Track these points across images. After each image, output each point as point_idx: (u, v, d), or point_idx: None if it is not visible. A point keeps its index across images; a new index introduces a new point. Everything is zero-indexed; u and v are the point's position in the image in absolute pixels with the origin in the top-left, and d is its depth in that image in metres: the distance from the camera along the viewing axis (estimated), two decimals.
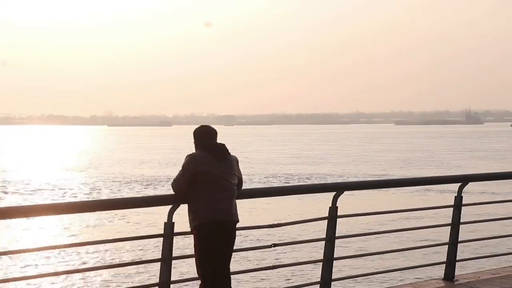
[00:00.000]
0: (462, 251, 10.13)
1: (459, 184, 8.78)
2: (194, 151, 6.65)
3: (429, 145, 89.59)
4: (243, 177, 6.87)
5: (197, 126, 6.75)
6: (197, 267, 6.49)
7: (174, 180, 6.52)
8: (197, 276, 6.53)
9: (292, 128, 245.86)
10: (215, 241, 6.42)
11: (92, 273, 16.01)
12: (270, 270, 9.19)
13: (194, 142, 6.67)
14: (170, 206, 6.50)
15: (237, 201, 6.65)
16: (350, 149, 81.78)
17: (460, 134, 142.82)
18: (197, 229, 6.41)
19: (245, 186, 6.88)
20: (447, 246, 8.75)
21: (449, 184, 9.83)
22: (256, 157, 65.19)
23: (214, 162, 6.47)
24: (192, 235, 6.52)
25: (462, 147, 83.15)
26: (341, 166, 53.92)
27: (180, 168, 6.50)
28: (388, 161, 59.93)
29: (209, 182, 6.43)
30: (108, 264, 16.88)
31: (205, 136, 6.64)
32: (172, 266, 6.54)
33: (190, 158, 6.50)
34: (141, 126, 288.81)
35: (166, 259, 6.47)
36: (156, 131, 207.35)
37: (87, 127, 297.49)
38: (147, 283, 7.23)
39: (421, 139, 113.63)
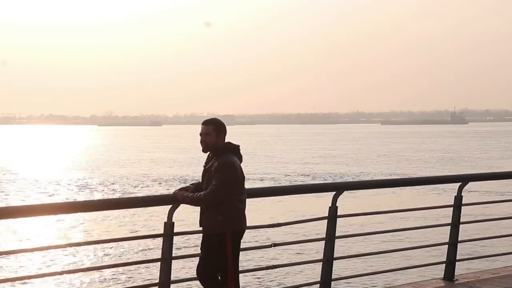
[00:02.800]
0: (462, 251, 10.13)
1: (459, 184, 8.78)
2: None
3: (456, 145, 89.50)
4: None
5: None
6: (221, 269, 6.35)
7: (216, 189, 6.23)
8: (196, 276, 6.52)
9: (293, 128, 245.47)
10: (238, 247, 6.46)
11: (92, 273, 16.03)
12: (270, 270, 9.19)
13: (218, 134, 6.48)
14: (170, 206, 6.47)
15: None
16: (375, 148, 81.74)
17: (477, 134, 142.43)
18: (232, 234, 6.32)
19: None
20: (447, 246, 8.75)
21: (449, 184, 9.82)
22: (286, 157, 64.75)
23: (241, 167, 6.47)
24: (191, 235, 6.50)
25: (491, 147, 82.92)
26: (382, 165, 54.00)
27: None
28: (426, 160, 60.08)
29: (242, 189, 6.43)
30: (108, 264, 16.85)
31: (225, 132, 6.57)
32: (172, 266, 6.54)
33: (232, 167, 6.32)
34: (131, 126, 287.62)
35: (166, 259, 6.46)
36: (146, 131, 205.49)
37: (86, 126, 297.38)
38: (147, 283, 7.22)
39: (443, 139, 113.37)
